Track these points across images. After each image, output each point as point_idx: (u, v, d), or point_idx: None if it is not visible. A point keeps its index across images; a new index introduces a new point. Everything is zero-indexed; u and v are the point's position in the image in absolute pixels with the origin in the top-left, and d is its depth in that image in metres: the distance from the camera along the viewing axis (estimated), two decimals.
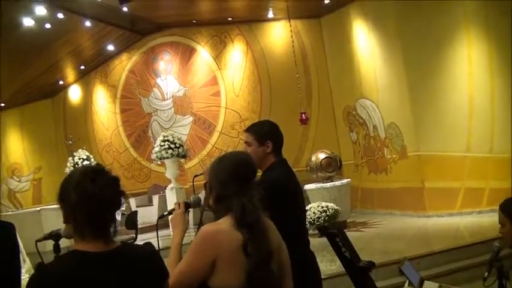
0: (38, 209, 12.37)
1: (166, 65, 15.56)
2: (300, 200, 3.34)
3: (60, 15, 12.34)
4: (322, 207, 10.01)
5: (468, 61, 10.87)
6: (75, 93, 17.88)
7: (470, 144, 10.72)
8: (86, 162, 13.84)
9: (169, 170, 13.01)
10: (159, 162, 13.68)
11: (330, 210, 10.00)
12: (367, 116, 12.59)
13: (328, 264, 7.30)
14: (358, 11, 12.45)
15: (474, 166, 10.63)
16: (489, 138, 10.60)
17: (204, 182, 2.96)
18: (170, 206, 12.39)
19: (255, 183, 2.42)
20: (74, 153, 13.93)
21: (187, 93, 15.21)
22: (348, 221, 11.12)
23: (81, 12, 12.75)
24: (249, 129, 3.33)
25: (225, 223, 2.25)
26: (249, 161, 2.49)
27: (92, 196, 1.89)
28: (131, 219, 10.33)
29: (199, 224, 2.87)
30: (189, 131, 15.13)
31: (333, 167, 11.06)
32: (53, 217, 11.06)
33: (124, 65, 16.37)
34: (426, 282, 3.46)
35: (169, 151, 12.61)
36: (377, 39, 11.94)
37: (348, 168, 12.93)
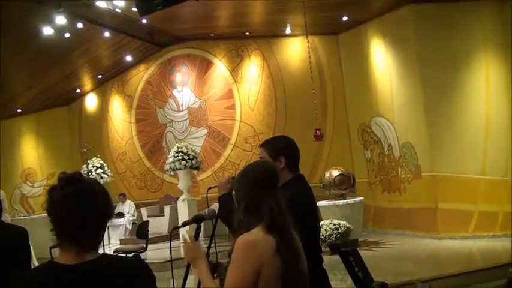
0: None
1: (183, 77, 15.65)
2: (314, 217, 3.30)
3: (80, 25, 12.48)
4: (334, 224, 9.95)
5: (486, 82, 10.82)
6: (91, 102, 18.02)
7: (485, 167, 10.62)
8: (99, 170, 13.93)
9: (182, 181, 13.04)
10: (172, 173, 13.72)
11: (342, 228, 9.94)
12: (382, 134, 12.53)
13: (339, 282, 7.24)
14: (376, 29, 12.45)
15: (489, 189, 10.52)
16: (505, 161, 10.51)
17: (219, 195, 2.96)
18: (182, 217, 12.44)
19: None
20: (88, 161, 14.01)
21: (203, 105, 15.26)
22: (359, 239, 11.03)
23: (101, 22, 12.89)
24: (264, 144, 3.31)
25: (259, 231, 2.27)
26: (271, 166, 2.54)
27: (56, 204, 1.85)
28: (142, 229, 10.37)
29: (212, 236, 2.86)
30: (203, 143, 15.16)
31: (346, 184, 11.01)
32: None
33: (141, 75, 16.49)
34: None
35: (183, 162, 12.65)
36: (394, 58, 11.92)
37: (361, 186, 12.86)
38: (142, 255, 9.69)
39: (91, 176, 11.24)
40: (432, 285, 7.09)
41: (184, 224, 3.03)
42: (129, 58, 15.80)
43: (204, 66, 15.30)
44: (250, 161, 13.76)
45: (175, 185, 14.24)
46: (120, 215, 14.43)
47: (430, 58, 11.06)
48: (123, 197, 14.96)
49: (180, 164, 12.66)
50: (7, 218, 8.55)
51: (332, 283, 3.46)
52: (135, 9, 9.71)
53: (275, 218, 2.26)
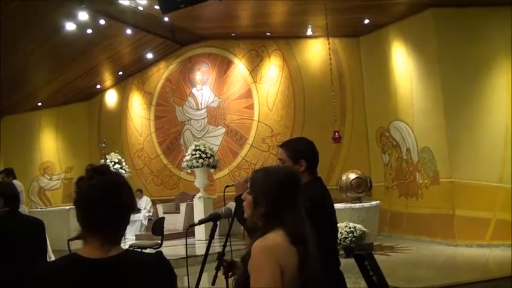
0: (67, 207, 12.51)
1: (203, 76, 15.70)
2: (333, 219, 3.26)
3: (102, 22, 12.58)
4: (350, 227, 9.91)
5: (507, 90, 10.70)
6: (111, 98, 18.16)
7: (504, 175, 10.50)
8: (117, 166, 14.02)
9: (199, 179, 13.09)
10: (189, 171, 13.77)
11: (358, 231, 9.89)
12: (400, 138, 12.46)
13: (352, 285, 7.20)
14: (398, 33, 12.38)
15: (507, 197, 10.39)
16: None
17: (236, 195, 2.95)
18: (197, 215, 12.49)
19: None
20: (107, 156, 14.11)
21: (222, 104, 15.30)
22: (374, 243, 10.97)
23: (123, 19, 12.99)
24: (284, 146, 3.25)
25: (278, 236, 2.21)
26: (295, 174, 2.46)
27: (83, 194, 1.85)
28: (158, 226, 10.42)
29: (228, 235, 2.85)
30: (220, 142, 15.20)
31: (362, 187, 10.96)
32: None
33: (161, 73, 16.58)
34: None
35: (200, 160, 12.69)
36: (415, 62, 11.84)
37: (377, 190, 12.78)
38: None
39: None
40: None
41: (200, 222, 3.03)
42: (149, 55, 15.90)
43: (224, 66, 15.34)
44: (267, 161, 13.84)
45: (191, 183, 14.30)
46: (137, 210, 14.50)
47: (451, 63, 10.97)
48: (139, 193, 15.06)
49: (197, 162, 12.71)
50: (24, 209, 8.66)
51: None
52: (157, 7, 9.76)
53: (298, 230, 2.21)
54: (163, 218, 11.00)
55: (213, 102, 15.49)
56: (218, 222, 2.87)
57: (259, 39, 14.68)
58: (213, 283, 2.68)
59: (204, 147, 12.97)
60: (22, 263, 3.43)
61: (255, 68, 14.88)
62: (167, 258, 1.99)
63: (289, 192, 2.32)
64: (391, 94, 12.67)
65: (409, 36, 12.03)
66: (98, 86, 17.77)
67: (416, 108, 11.87)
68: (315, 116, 13.78)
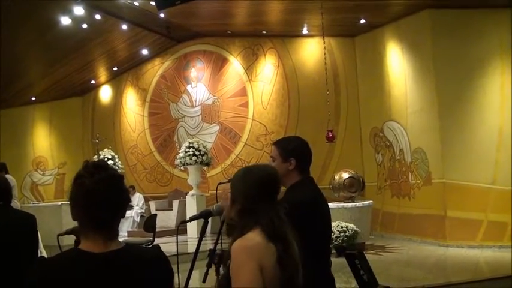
0: (59, 203, 12.47)
1: (198, 73, 15.69)
2: (324, 220, 3.23)
3: (98, 17, 12.55)
4: (342, 227, 9.93)
5: (501, 92, 10.74)
6: (105, 94, 18.12)
7: (496, 177, 10.55)
8: (110, 162, 13.97)
9: (192, 177, 13.09)
10: (182, 168, 13.76)
11: (350, 231, 9.91)
12: (394, 138, 12.49)
13: (344, 285, 7.22)
14: (393, 33, 12.41)
15: (498, 199, 10.45)
16: None
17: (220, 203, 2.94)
18: (190, 212, 12.49)
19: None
20: (100, 152, 14.07)
21: (216, 102, 15.29)
22: (366, 243, 11.00)
23: (119, 15, 12.95)
24: (276, 144, 3.24)
25: (257, 236, 2.22)
26: (275, 175, 2.45)
27: (88, 191, 1.83)
28: (150, 222, 10.41)
29: (219, 232, 2.85)
30: (214, 140, 15.19)
31: (355, 187, 10.98)
32: None
33: (156, 69, 16.54)
34: None
35: (194, 158, 12.69)
36: (410, 63, 11.88)
37: (370, 190, 12.82)
38: None
39: None
40: None
41: (192, 219, 3.03)
42: (145, 52, 15.87)
43: (219, 63, 15.32)
44: (261, 159, 13.83)
45: (184, 180, 14.29)
46: (129, 207, 14.48)
47: (446, 64, 11.01)
48: (132, 189, 15.02)
49: (191, 159, 12.70)
50: (16, 204, 8.63)
51: (337, 285, 3.46)
52: (153, 3, 9.75)
53: (276, 229, 2.21)
54: (155, 215, 10.99)
55: (207, 99, 15.47)
56: (210, 220, 2.87)
57: (255, 37, 14.67)
58: (204, 280, 2.68)
59: (198, 144, 12.96)
60: (13, 257, 3.42)
61: (250, 66, 14.87)
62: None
63: (265, 190, 2.33)
64: (386, 94, 12.70)
65: (404, 37, 12.06)
66: (92, 82, 17.72)
67: (410, 109, 11.90)
68: (309, 115, 13.80)
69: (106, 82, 17.98)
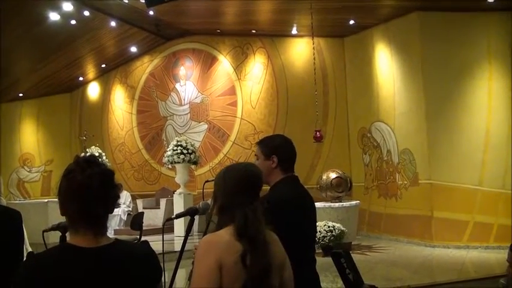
0: (46, 200, 12.40)
1: (187, 71, 15.65)
2: (307, 218, 3.22)
3: (87, 13, 12.48)
4: (329, 226, 9.96)
5: (488, 94, 10.83)
6: (93, 91, 18.02)
7: (482, 178, 10.64)
8: None
9: (180, 175, 13.06)
10: (170, 166, 13.71)
11: (336, 230, 9.94)
12: (381, 139, 12.54)
13: (329, 284, 7.25)
14: (382, 35, 12.46)
15: (485, 200, 10.54)
16: (502, 174, 10.51)
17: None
18: (177, 210, 12.43)
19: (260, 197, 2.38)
20: (87, 149, 14.01)
21: (205, 100, 15.26)
22: (353, 243, 11.04)
23: (108, 11, 12.90)
24: (259, 142, 3.24)
25: (226, 233, 2.21)
26: (255, 172, 2.43)
27: (79, 186, 1.83)
28: (137, 220, 10.36)
29: (205, 231, 2.85)
30: (202, 138, 15.16)
31: (342, 187, 11.01)
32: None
33: (145, 67, 16.49)
34: None
35: (182, 156, 12.66)
36: (399, 64, 11.93)
37: (357, 190, 12.86)
38: None
39: None
40: None
41: (177, 216, 3.02)
42: (133, 49, 15.81)
43: (208, 62, 15.30)
44: (249, 158, 13.81)
45: (172, 179, 14.25)
46: (116, 205, 14.40)
47: (434, 66, 11.07)
48: (119, 187, 14.94)
49: (179, 157, 12.67)
50: (2, 201, 8.57)
51: (323, 284, 3.46)
52: (142, 0, 9.72)
53: (248, 226, 2.19)
54: (142, 213, 10.94)
55: (196, 98, 15.44)
56: (197, 218, 2.87)
57: (245, 37, 14.66)
58: (190, 278, 2.68)
59: (186, 143, 12.93)
60: None
61: (239, 65, 14.85)
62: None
63: (244, 189, 2.31)
64: (374, 95, 12.75)
65: (393, 39, 12.11)
66: (81, 78, 17.61)
67: (398, 110, 11.96)
68: (297, 115, 13.82)
69: (94, 79, 17.88)
